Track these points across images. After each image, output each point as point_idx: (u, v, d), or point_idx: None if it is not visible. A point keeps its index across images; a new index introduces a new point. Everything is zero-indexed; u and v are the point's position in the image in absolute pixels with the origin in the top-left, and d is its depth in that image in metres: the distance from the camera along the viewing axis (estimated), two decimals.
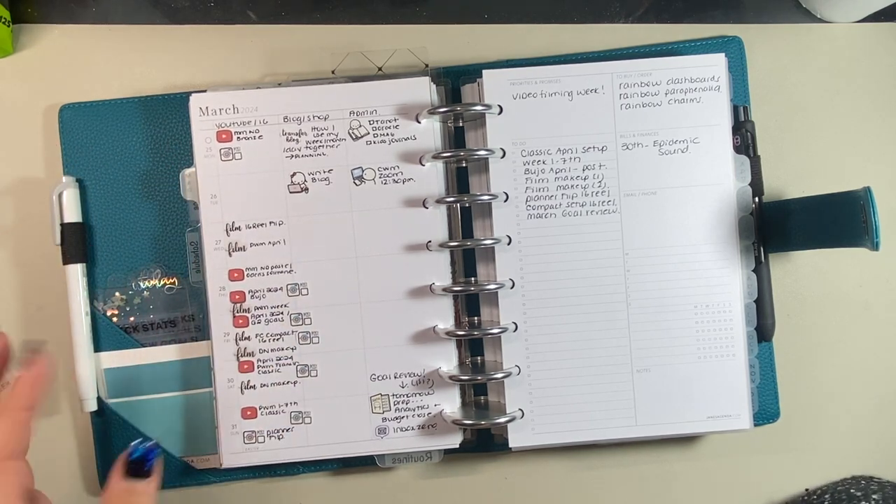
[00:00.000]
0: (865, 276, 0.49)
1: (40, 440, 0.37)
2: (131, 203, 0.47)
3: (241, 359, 0.44)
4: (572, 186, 0.44)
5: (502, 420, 0.43)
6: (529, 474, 0.48)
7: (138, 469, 0.36)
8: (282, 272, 0.44)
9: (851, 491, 0.46)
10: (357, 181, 0.44)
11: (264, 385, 0.44)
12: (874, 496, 0.44)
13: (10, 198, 0.48)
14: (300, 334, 0.44)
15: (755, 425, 0.45)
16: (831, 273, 0.49)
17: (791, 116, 0.49)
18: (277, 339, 0.44)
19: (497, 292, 0.44)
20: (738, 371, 0.44)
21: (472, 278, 0.46)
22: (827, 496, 0.46)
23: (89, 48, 0.48)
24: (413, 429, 0.44)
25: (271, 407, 0.44)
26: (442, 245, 0.43)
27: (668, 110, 0.44)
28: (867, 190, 0.38)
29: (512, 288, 0.44)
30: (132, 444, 0.37)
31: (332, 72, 0.46)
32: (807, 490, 0.48)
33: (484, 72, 0.44)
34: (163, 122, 0.47)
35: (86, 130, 0.47)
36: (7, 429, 0.34)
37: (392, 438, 0.44)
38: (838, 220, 0.41)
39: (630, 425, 0.44)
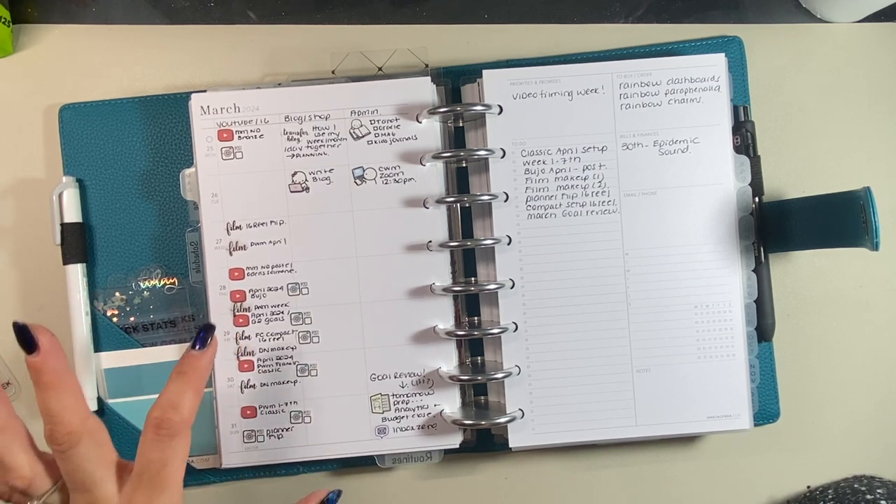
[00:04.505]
0: (865, 276, 0.49)
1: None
2: (131, 203, 0.47)
3: (241, 358, 0.44)
4: (572, 186, 0.44)
5: (502, 420, 0.43)
6: (529, 474, 0.48)
7: None
8: (282, 271, 0.44)
9: (855, 486, 0.46)
10: (358, 181, 0.44)
11: (264, 384, 0.44)
12: (878, 490, 0.44)
13: (10, 198, 0.48)
14: (300, 333, 0.44)
15: (755, 425, 0.45)
16: (831, 273, 0.49)
17: (791, 116, 0.49)
18: (277, 339, 0.44)
19: (497, 292, 0.44)
20: (738, 371, 0.44)
21: (472, 278, 0.46)
22: (830, 491, 0.46)
23: (89, 48, 0.48)
24: (413, 429, 0.44)
25: (271, 406, 0.44)
26: (442, 245, 0.43)
27: (668, 110, 0.44)
28: (867, 190, 0.38)
29: (512, 288, 0.44)
30: (331, 491, 0.40)
31: (332, 72, 0.46)
32: (809, 487, 0.48)
33: (484, 72, 0.44)
34: (163, 122, 0.47)
35: (86, 130, 0.47)
36: (76, 393, 0.35)
37: (392, 438, 0.44)
38: (838, 220, 0.41)
39: (630, 425, 0.44)
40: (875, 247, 0.38)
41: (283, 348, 0.44)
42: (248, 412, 0.44)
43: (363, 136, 0.44)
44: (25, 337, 0.34)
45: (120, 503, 0.35)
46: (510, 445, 0.44)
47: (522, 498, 0.48)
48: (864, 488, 0.45)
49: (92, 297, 0.46)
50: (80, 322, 0.45)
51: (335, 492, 0.40)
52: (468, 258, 0.46)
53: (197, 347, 0.38)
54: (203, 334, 0.38)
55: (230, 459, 0.44)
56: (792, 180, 0.49)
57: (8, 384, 0.47)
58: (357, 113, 0.44)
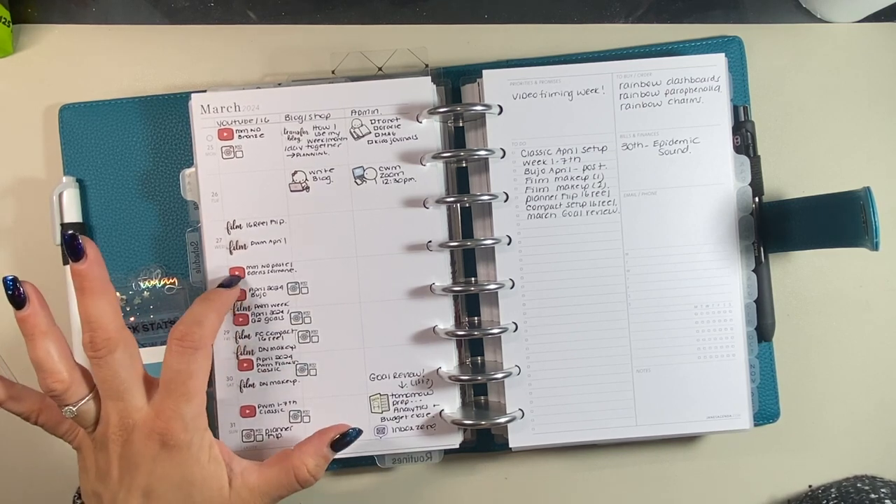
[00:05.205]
0: (865, 276, 0.49)
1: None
2: (131, 203, 0.47)
3: (241, 357, 0.44)
4: (572, 186, 0.44)
5: (502, 420, 0.43)
6: (529, 474, 0.48)
7: (343, 446, 0.41)
8: (282, 270, 0.44)
9: (858, 485, 0.46)
10: (358, 180, 0.44)
11: (263, 384, 0.44)
12: (882, 490, 0.44)
13: (10, 198, 0.48)
14: (300, 333, 0.44)
15: (755, 425, 0.45)
16: (831, 273, 0.49)
17: (791, 116, 0.49)
18: (277, 338, 0.44)
19: (497, 292, 0.44)
20: (737, 371, 0.44)
21: (472, 278, 0.46)
22: (833, 490, 0.46)
23: (89, 48, 0.48)
24: (412, 429, 0.44)
25: (270, 406, 0.44)
26: (442, 245, 0.43)
27: (668, 110, 0.44)
28: (867, 190, 0.38)
29: (512, 288, 0.44)
30: (352, 427, 0.42)
31: (332, 72, 0.46)
32: (810, 486, 0.48)
33: (484, 72, 0.44)
34: (163, 122, 0.47)
35: (86, 130, 0.47)
36: (115, 303, 0.37)
37: (391, 438, 0.44)
38: (838, 220, 0.40)
39: (630, 425, 0.44)
40: (875, 247, 0.38)
41: (282, 347, 0.44)
42: (247, 411, 0.44)
43: (363, 136, 0.44)
44: (75, 245, 0.36)
45: (149, 412, 0.37)
46: (510, 445, 0.44)
47: (522, 498, 0.48)
48: (867, 487, 0.45)
49: None
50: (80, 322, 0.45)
51: (356, 429, 0.41)
52: (468, 258, 0.46)
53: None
54: (230, 279, 0.43)
55: None
56: (792, 180, 0.49)
57: None
58: (357, 113, 0.44)
